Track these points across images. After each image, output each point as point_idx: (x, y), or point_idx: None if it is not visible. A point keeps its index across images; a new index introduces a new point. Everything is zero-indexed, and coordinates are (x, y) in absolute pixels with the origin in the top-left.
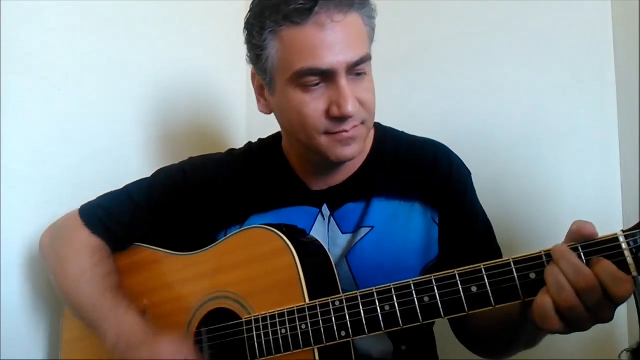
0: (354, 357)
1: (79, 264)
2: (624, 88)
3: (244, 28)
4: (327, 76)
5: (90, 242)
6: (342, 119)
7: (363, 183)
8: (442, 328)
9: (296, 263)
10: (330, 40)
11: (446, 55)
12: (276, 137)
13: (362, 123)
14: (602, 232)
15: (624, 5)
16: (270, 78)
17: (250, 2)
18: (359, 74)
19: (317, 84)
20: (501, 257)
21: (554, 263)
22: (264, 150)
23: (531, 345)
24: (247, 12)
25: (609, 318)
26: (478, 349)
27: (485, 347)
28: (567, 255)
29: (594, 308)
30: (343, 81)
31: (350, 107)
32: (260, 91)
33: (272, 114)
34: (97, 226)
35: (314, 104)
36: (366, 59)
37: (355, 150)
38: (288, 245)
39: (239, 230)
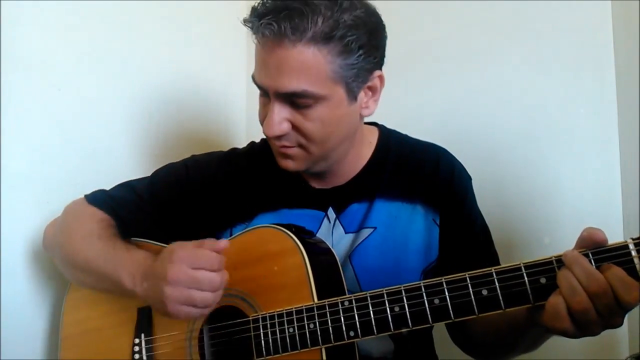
0: (357, 356)
1: (87, 227)
2: (624, 88)
3: None
4: (265, 92)
5: (98, 214)
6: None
7: (366, 184)
8: (440, 327)
9: (305, 263)
10: (267, 62)
11: (446, 55)
12: None
13: (301, 147)
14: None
15: (624, 5)
16: None
17: (249, 2)
18: (300, 106)
19: (263, 93)
20: (498, 262)
21: (567, 268)
22: (267, 150)
23: (531, 349)
24: (248, 12)
25: (619, 323)
26: (476, 352)
27: (484, 351)
28: (579, 260)
29: (604, 312)
30: (273, 103)
31: (268, 129)
32: None
33: None
34: (103, 205)
35: (262, 110)
36: (307, 95)
37: (294, 166)
38: (298, 246)
39: (247, 229)
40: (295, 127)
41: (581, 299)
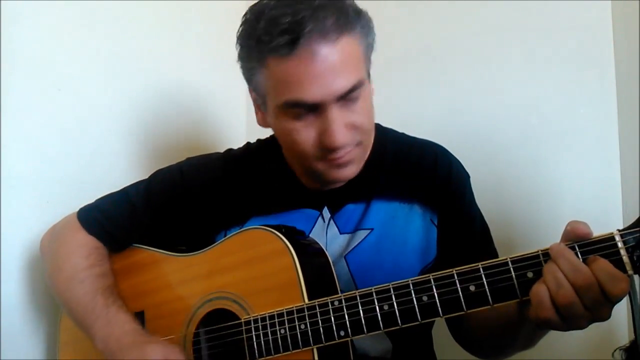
0: (352, 356)
1: (74, 263)
2: (624, 88)
3: (236, 43)
4: (315, 108)
5: (87, 242)
6: (333, 149)
7: (363, 184)
8: (439, 327)
9: (295, 264)
10: (317, 72)
11: (446, 55)
12: (275, 138)
13: (358, 144)
14: (603, 232)
15: (624, 5)
16: (262, 100)
17: (249, 2)
18: (351, 100)
19: (306, 113)
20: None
21: (552, 261)
22: (263, 151)
23: (528, 346)
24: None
25: (606, 317)
26: (475, 350)
27: (482, 348)
28: (565, 253)
29: (591, 306)
30: (331, 113)
31: (339, 139)
32: (256, 105)
33: None
34: (94, 228)
35: (305, 132)
36: (359, 85)
37: (352, 172)
38: (287, 247)
39: (238, 231)
40: (351, 126)
41: (565, 292)
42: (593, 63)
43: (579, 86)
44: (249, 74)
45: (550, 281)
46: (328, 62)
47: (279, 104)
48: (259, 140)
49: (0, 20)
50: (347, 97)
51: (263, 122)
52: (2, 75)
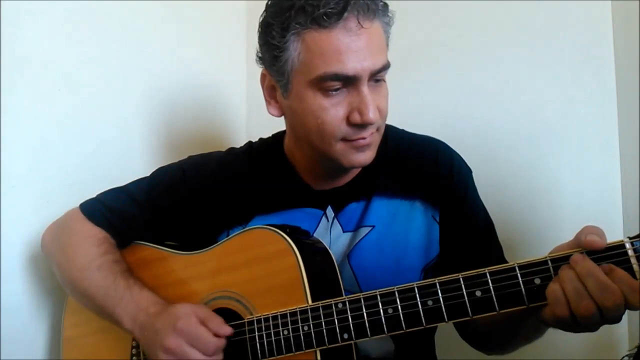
0: (354, 358)
1: (86, 252)
2: (624, 88)
3: (260, 27)
4: (350, 82)
5: (95, 233)
6: (363, 126)
7: (364, 182)
8: (439, 328)
9: (299, 264)
10: (357, 46)
11: (446, 55)
12: (277, 137)
13: (378, 129)
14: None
15: (624, 5)
16: (286, 80)
17: (249, 2)
18: (377, 81)
19: (337, 89)
20: (502, 255)
21: (572, 270)
22: (265, 150)
23: (531, 339)
24: (247, 12)
25: (619, 320)
26: (480, 345)
27: (487, 343)
28: (595, 272)
29: (608, 316)
30: (365, 88)
31: (372, 114)
32: (271, 93)
33: (274, 118)
34: (99, 219)
35: (334, 110)
36: (387, 66)
37: (369, 157)
38: (291, 247)
39: (242, 231)
40: (377, 108)
41: (588, 303)
42: (593, 63)
43: (579, 86)
44: (276, 53)
45: (570, 292)
46: (365, 38)
47: (312, 79)
48: (261, 139)
49: (0, 20)
50: (377, 76)
51: (277, 110)
52: (2, 75)
